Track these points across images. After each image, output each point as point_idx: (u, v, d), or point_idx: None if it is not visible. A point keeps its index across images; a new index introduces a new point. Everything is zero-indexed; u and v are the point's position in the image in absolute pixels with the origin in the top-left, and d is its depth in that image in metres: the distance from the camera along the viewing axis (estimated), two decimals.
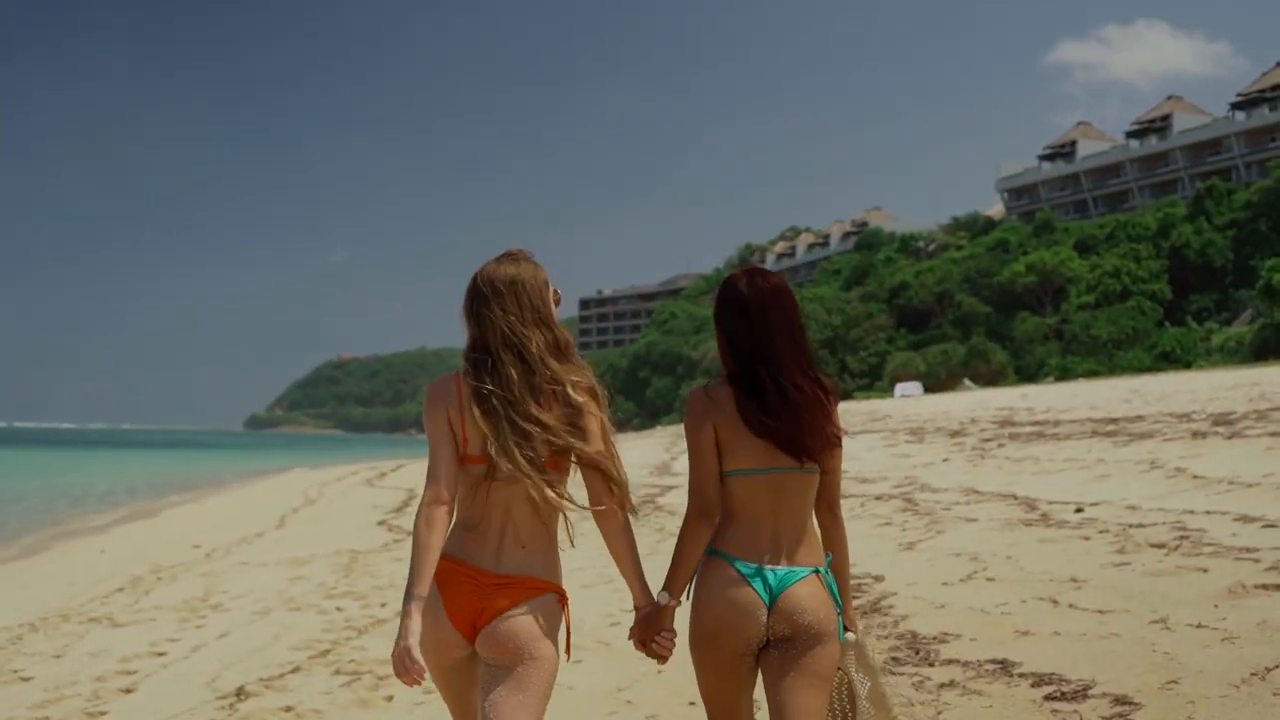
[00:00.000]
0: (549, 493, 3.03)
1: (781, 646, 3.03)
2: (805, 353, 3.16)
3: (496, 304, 3.15)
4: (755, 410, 3.05)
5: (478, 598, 3.02)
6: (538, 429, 3.04)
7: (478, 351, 3.15)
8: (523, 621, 3.01)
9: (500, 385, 3.07)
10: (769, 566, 3.03)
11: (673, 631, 3.13)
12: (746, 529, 3.07)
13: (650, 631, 3.13)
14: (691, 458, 3.13)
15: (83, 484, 36.09)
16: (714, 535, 3.11)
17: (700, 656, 3.11)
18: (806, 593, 3.03)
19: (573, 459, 3.11)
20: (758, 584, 3.02)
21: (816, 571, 3.09)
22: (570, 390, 3.11)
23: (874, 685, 3.41)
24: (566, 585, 3.24)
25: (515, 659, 2.99)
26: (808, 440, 3.06)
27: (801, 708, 3.00)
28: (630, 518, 3.16)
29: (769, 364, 3.09)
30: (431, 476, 3.08)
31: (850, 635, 3.26)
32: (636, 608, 3.18)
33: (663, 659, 3.16)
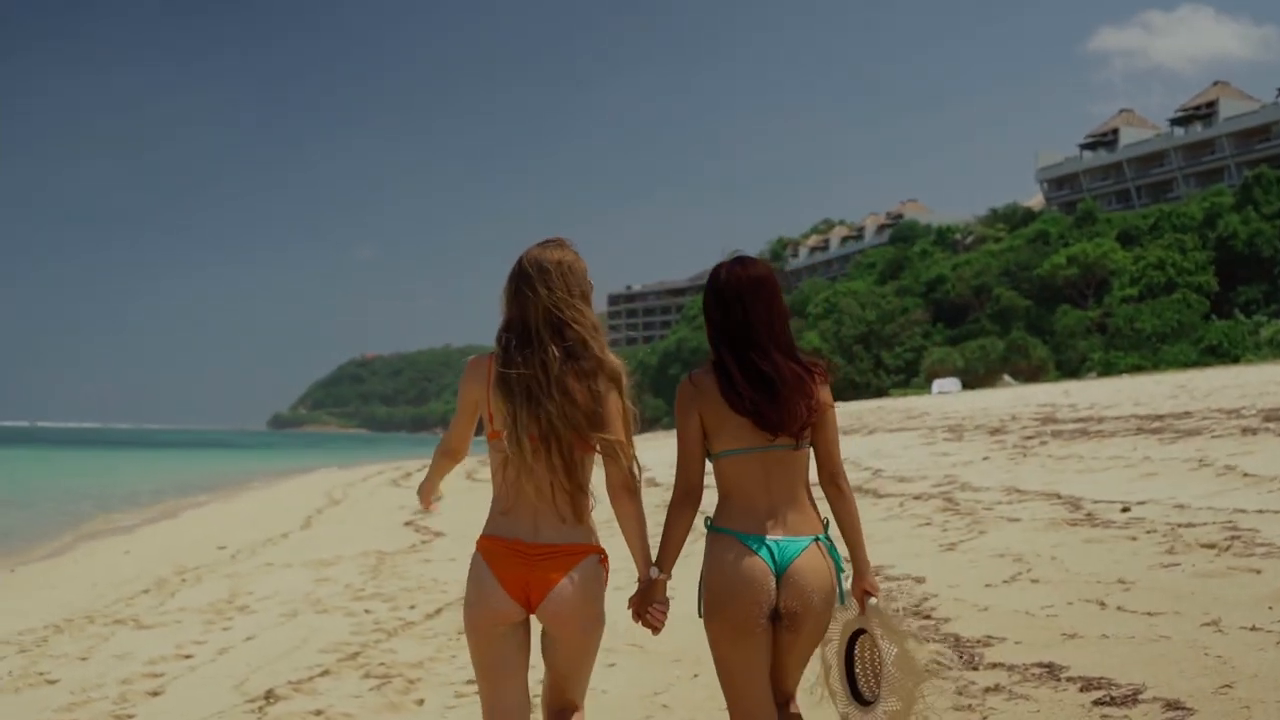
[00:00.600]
0: (561, 477, 3.35)
1: (788, 620, 3.33)
2: (785, 336, 3.41)
3: (542, 284, 3.38)
4: (736, 392, 3.31)
5: (527, 569, 3.34)
6: (565, 409, 3.32)
7: (512, 331, 3.40)
8: (575, 591, 3.34)
9: (536, 365, 3.34)
10: (770, 536, 3.31)
11: (665, 603, 3.44)
12: (743, 505, 3.35)
13: (645, 603, 3.42)
14: (679, 443, 3.44)
15: (106, 484, 36.41)
16: (715, 514, 3.41)
17: (716, 627, 3.33)
18: (810, 567, 3.33)
19: (589, 439, 3.39)
20: (764, 553, 3.29)
21: (816, 540, 3.38)
22: (601, 373, 3.39)
23: (900, 651, 3.47)
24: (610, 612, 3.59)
25: (572, 627, 3.37)
26: (785, 418, 3.31)
27: (796, 665, 3.46)
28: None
29: (749, 348, 3.35)
30: (449, 431, 3.62)
31: (873, 600, 3.54)
32: (639, 582, 3.47)
33: (655, 629, 3.46)
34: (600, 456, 3.44)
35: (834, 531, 3.54)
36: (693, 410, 3.40)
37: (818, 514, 3.45)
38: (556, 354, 3.34)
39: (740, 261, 3.49)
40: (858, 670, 3.58)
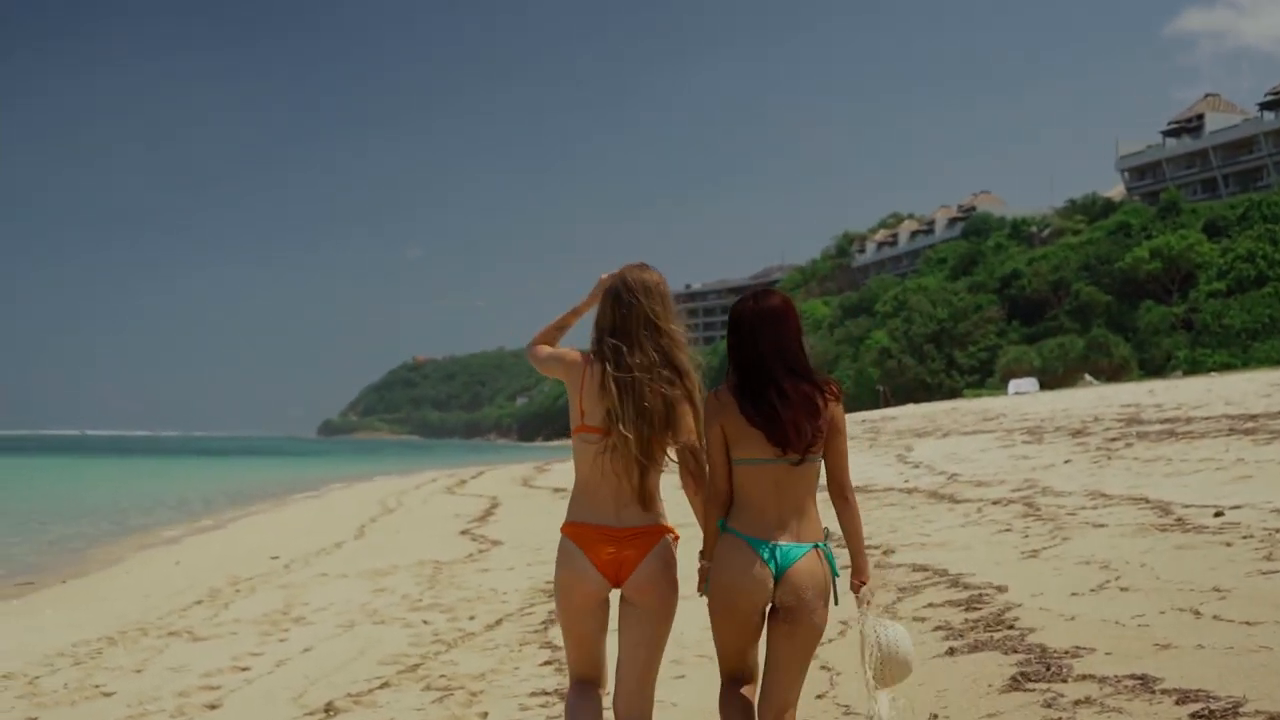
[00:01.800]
0: (657, 461, 3.98)
1: (785, 616, 3.85)
2: (797, 362, 3.93)
3: (644, 298, 4.03)
4: (749, 410, 3.87)
5: (617, 549, 3.95)
6: (657, 409, 3.94)
7: (617, 338, 4.01)
8: (655, 568, 3.97)
9: (640, 369, 3.95)
10: (774, 541, 3.84)
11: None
12: (753, 509, 3.87)
13: (700, 580, 4.06)
14: (707, 451, 3.99)
15: (156, 494, 36.97)
16: (729, 516, 3.94)
17: (716, 614, 3.95)
18: (807, 569, 3.84)
19: (669, 437, 4.01)
20: (765, 555, 3.82)
21: (816, 547, 3.89)
22: (684, 382, 4.01)
23: (892, 653, 4.02)
24: (682, 590, 4.15)
25: (651, 599, 3.98)
26: (792, 436, 3.83)
27: (794, 669, 3.92)
28: (708, 495, 4.01)
29: (760, 373, 3.91)
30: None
31: (865, 588, 4.06)
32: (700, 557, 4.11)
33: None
34: (675, 452, 4.03)
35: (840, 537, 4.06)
36: (715, 422, 3.94)
37: (820, 523, 3.95)
38: (656, 359, 3.98)
39: (755, 296, 4.06)
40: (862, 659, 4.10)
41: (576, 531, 4.01)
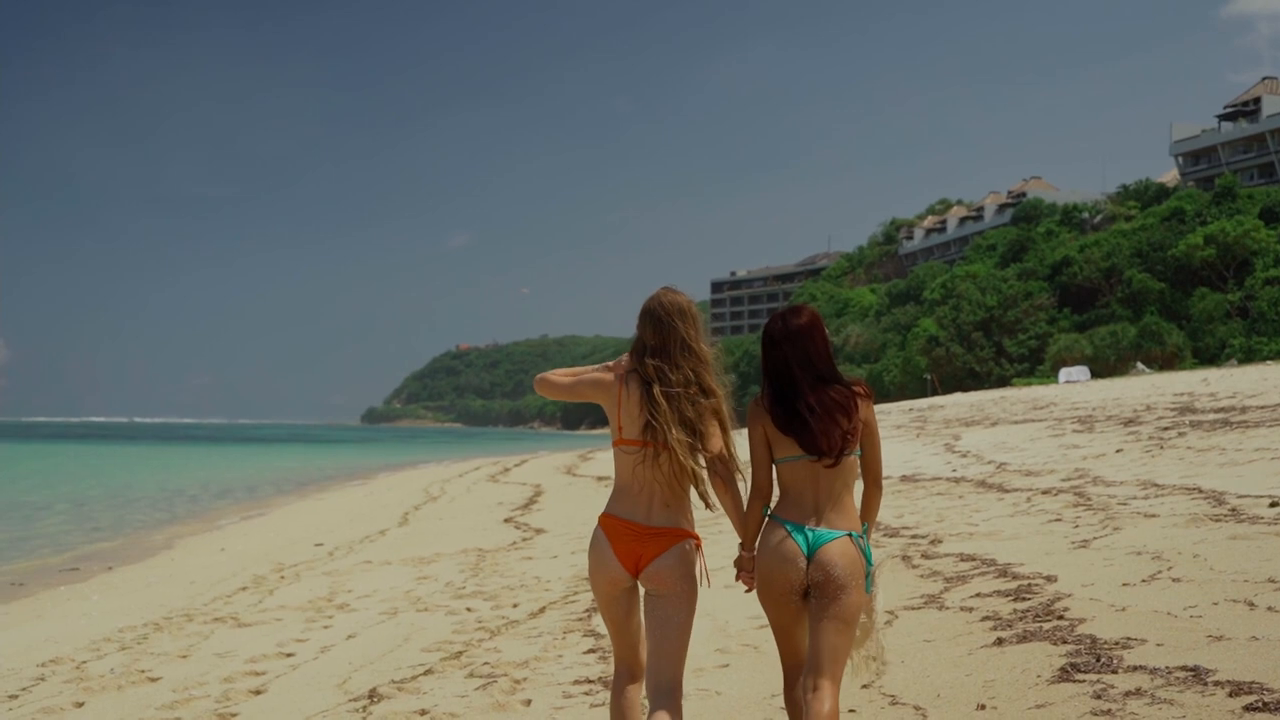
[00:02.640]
0: (690, 465, 4.33)
1: (817, 593, 4.17)
2: (825, 369, 4.31)
3: (680, 321, 4.44)
4: (781, 421, 4.27)
5: (638, 544, 4.35)
6: (689, 421, 4.36)
7: (658, 358, 4.40)
8: (672, 563, 4.34)
9: (677, 383, 4.36)
10: (809, 527, 4.20)
11: (750, 570, 4.41)
12: (793, 499, 4.27)
13: (739, 569, 4.45)
14: (750, 450, 4.41)
15: (201, 481, 37.38)
16: (774, 506, 4.35)
17: (760, 593, 4.31)
18: (838, 551, 4.16)
19: (701, 445, 4.41)
20: (799, 538, 4.19)
21: (849, 535, 4.21)
22: (711, 397, 4.43)
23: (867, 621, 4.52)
24: (713, 584, 4.66)
25: (669, 590, 4.34)
26: (824, 445, 4.20)
27: (828, 646, 4.14)
28: (740, 487, 4.44)
29: (790, 386, 4.29)
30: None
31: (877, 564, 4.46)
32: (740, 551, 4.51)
33: (747, 588, 4.46)
34: (705, 459, 4.43)
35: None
36: (757, 424, 4.35)
37: (855, 513, 4.31)
38: (690, 378, 4.39)
39: (784, 316, 4.42)
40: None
41: (608, 523, 4.43)
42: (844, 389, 4.29)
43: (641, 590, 4.48)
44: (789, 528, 4.22)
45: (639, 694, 4.50)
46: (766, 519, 4.35)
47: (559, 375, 4.64)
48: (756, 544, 4.37)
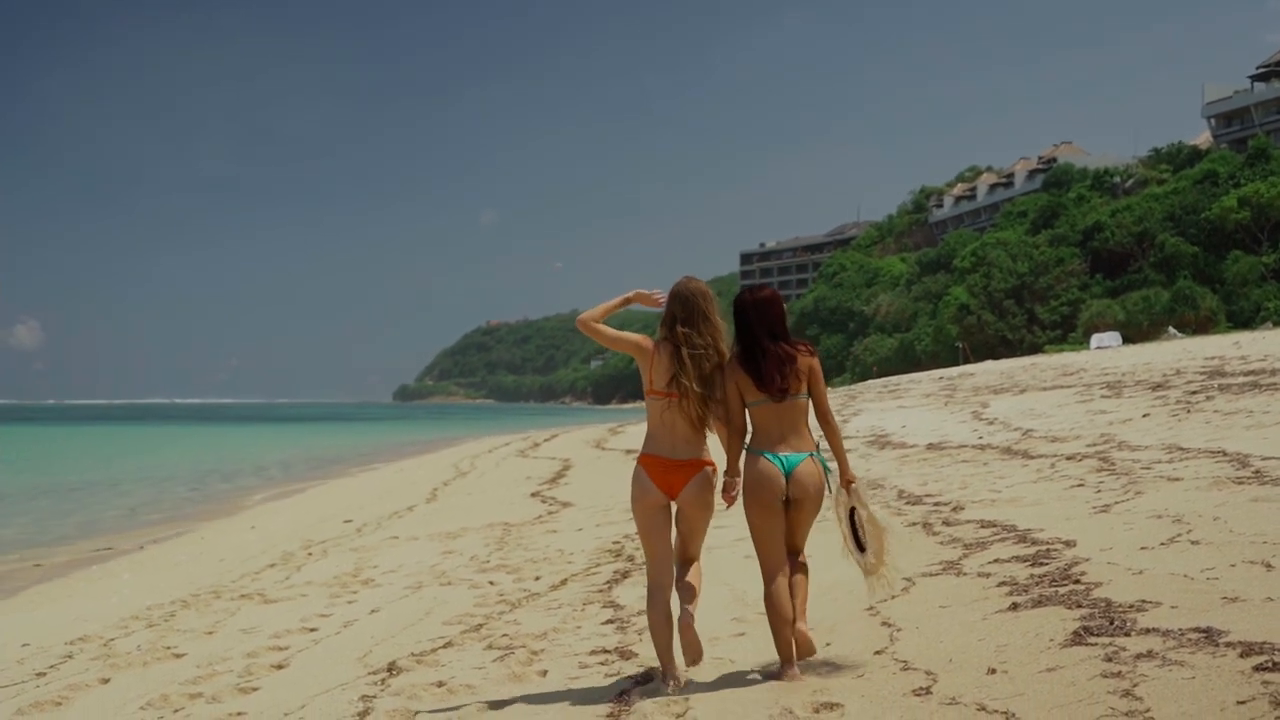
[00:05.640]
0: (705, 413, 5.71)
1: (794, 502, 5.62)
2: (778, 329, 5.70)
3: (701, 300, 5.76)
4: (748, 367, 5.65)
5: (672, 474, 5.69)
6: (709, 375, 5.71)
7: (687, 326, 5.71)
8: (696, 487, 5.69)
9: (701, 348, 5.68)
10: (782, 453, 5.60)
11: (734, 490, 5.76)
12: (763, 433, 5.65)
13: (725, 490, 5.78)
14: (727, 397, 5.71)
15: (235, 460, 37.68)
16: (749, 440, 5.70)
17: (750, 506, 5.63)
18: (807, 470, 5.61)
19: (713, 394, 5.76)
20: (778, 462, 5.58)
21: (810, 455, 5.65)
22: (721, 358, 5.75)
23: (868, 515, 5.83)
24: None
25: (695, 505, 5.70)
26: (769, 384, 5.61)
27: (802, 531, 5.75)
28: (730, 430, 5.74)
29: (753, 340, 5.68)
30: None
31: (854, 485, 5.84)
32: (724, 475, 5.84)
33: (728, 505, 5.81)
34: (711, 405, 5.76)
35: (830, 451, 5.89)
36: (732, 380, 5.69)
37: (813, 439, 5.71)
38: (710, 343, 5.72)
39: (751, 290, 5.81)
40: (859, 531, 5.85)
41: (647, 460, 5.74)
42: (790, 346, 5.69)
43: (673, 507, 5.74)
44: (768, 456, 5.59)
45: (672, 597, 5.72)
46: (746, 452, 5.70)
47: (605, 326, 5.87)
48: (741, 470, 5.70)
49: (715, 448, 5.82)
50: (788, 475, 5.55)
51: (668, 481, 5.68)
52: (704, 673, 5.81)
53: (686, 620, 5.62)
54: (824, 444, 5.85)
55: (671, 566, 5.77)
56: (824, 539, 7.23)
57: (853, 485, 5.83)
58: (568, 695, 5.77)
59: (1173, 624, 5.30)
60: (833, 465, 5.83)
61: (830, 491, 5.77)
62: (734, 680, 5.68)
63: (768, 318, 5.72)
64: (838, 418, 29.55)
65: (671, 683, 5.56)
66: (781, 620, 5.57)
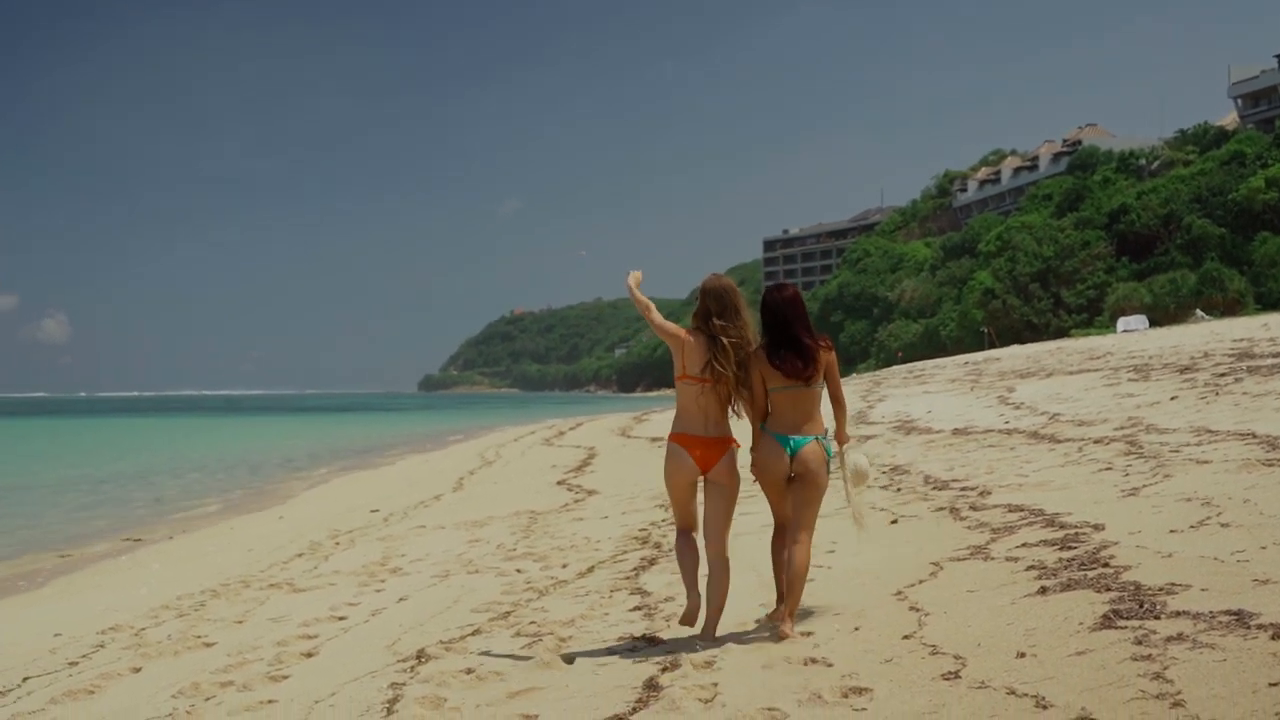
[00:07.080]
0: (736, 396, 6.42)
1: (797, 478, 6.31)
2: (802, 325, 6.34)
3: (731, 295, 6.42)
4: (775, 358, 6.28)
5: (706, 450, 6.34)
6: (740, 362, 6.33)
7: (722, 318, 6.34)
8: (726, 464, 6.37)
9: (734, 336, 6.30)
10: (791, 435, 6.30)
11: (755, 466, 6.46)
12: (779, 416, 6.34)
13: (752, 465, 6.46)
14: (751, 387, 6.35)
15: (263, 451, 37.87)
16: (766, 422, 6.36)
17: (761, 477, 6.41)
18: (810, 451, 6.29)
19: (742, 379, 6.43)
20: (784, 444, 6.29)
21: (817, 439, 6.33)
22: (750, 349, 6.38)
23: (858, 468, 6.76)
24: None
25: (724, 479, 6.37)
26: (792, 372, 6.26)
27: (805, 510, 6.31)
28: (755, 412, 6.44)
29: (780, 336, 6.32)
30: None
31: (847, 445, 6.73)
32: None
33: (755, 480, 6.53)
34: (741, 390, 6.44)
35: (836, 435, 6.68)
36: (756, 369, 6.33)
37: (823, 424, 6.38)
38: (742, 333, 6.34)
39: (779, 289, 6.51)
40: (842, 477, 6.78)
41: (680, 438, 6.38)
42: (814, 341, 6.33)
43: (702, 480, 6.40)
44: (778, 438, 6.31)
45: (698, 538, 6.50)
46: (761, 430, 6.39)
47: (660, 318, 6.51)
48: (757, 448, 6.40)
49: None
50: (792, 455, 6.28)
51: (703, 458, 6.34)
52: (732, 657, 5.81)
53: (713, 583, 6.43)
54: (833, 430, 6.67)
55: (697, 520, 6.55)
56: (850, 528, 7.22)
57: (845, 445, 6.72)
58: (596, 681, 5.77)
59: (1203, 606, 5.27)
60: (835, 447, 6.66)
61: (830, 471, 6.47)
62: (762, 664, 5.68)
63: (799, 315, 6.40)
64: (863, 402, 30.03)
65: (698, 621, 6.40)
66: (778, 566, 6.53)
